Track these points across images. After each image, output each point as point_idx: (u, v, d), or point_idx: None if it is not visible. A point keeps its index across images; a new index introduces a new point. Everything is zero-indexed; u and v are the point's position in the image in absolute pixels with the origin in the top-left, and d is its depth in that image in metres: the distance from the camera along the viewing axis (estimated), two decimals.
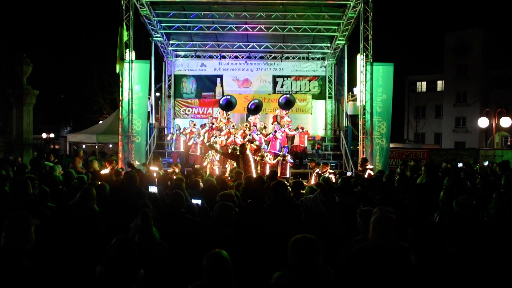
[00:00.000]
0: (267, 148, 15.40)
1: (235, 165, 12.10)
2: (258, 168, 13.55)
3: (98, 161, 11.79)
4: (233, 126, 17.00)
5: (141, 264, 3.15)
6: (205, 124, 17.43)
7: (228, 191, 5.43)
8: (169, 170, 12.00)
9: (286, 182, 7.21)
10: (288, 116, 17.63)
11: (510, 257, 3.90)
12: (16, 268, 3.11)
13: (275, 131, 15.81)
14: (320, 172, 11.76)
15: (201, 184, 7.97)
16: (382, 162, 13.65)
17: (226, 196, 5.13)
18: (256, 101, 18.03)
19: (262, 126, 17.04)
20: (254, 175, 9.52)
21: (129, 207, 4.84)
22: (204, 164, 14.79)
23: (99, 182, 6.78)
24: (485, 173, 10.17)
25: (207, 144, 15.19)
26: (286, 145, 15.80)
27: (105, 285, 2.89)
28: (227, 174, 12.41)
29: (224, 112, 18.01)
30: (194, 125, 17.14)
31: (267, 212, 5.15)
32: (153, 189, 6.56)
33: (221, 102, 17.93)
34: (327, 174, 11.23)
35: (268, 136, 15.96)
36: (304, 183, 10.44)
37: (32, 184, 5.65)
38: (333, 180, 9.99)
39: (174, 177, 10.01)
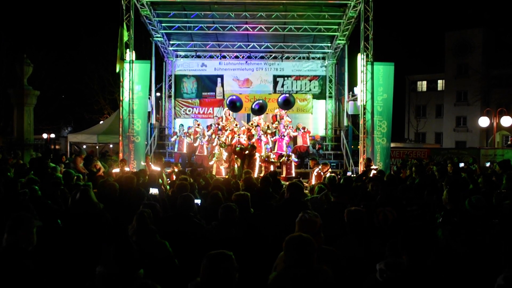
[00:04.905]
0: (270, 148, 15.39)
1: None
2: (263, 168, 13.55)
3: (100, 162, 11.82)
4: (236, 125, 16.98)
5: (140, 264, 3.14)
6: (211, 125, 17.39)
7: (243, 192, 5.42)
8: (169, 170, 12.03)
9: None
10: (287, 116, 17.60)
11: None
12: (18, 269, 3.11)
13: (283, 134, 15.76)
14: (320, 171, 11.73)
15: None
16: (383, 161, 13.64)
17: (241, 196, 5.13)
18: (261, 101, 17.98)
19: (266, 127, 17.03)
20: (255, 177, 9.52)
21: (128, 208, 4.82)
22: (211, 163, 14.75)
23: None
24: (487, 173, 10.15)
25: (216, 144, 15.10)
26: (289, 145, 15.82)
27: (105, 285, 2.88)
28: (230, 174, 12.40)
29: (230, 112, 17.96)
30: (198, 125, 17.12)
31: (278, 212, 5.14)
32: (154, 190, 6.55)
33: (227, 102, 17.88)
34: (328, 174, 11.19)
35: (275, 137, 15.97)
36: (305, 183, 10.45)
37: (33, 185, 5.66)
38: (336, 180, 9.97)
39: (174, 176, 10.04)
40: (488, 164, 14.25)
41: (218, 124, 17.13)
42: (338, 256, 3.45)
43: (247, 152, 11.43)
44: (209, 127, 17.24)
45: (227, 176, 11.33)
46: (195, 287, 2.81)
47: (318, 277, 2.87)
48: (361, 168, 13.15)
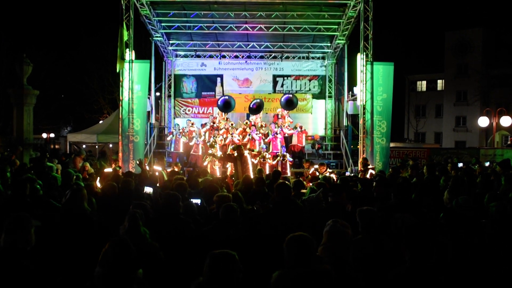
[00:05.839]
0: (266, 148, 15.39)
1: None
2: (259, 165, 13.52)
3: (98, 161, 11.81)
4: (232, 124, 16.97)
5: (139, 265, 3.14)
6: (205, 124, 17.42)
7: (224, 193, 5.40)
8: (169, 169, 12.04)
9: (287, 182, 7.22)
10: (289, 116, 17.62)
11: (509, 257, 3.89)
12: (17, 268, 3.11)
13: (276, 133, 15.77)
14: (316, 171, 11.74)
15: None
16: (383, 161, 13.64)
17: (223, 197, 5.11)
18: (258, 100, 17.99)
19: (259, 125, 17.00)
20: (252, 176, 9.50)
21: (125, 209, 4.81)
22: (205, 164, 14.77)
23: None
24: (486, 172, 10.15)
25: (208, 144, 15.16)
26: (284, 145, 15.82)
27: (104, 286, 2.88)
28: (228, 174, 12.39)
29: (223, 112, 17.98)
30: (192, 124, 17.12)
31: (270, 213, 5.13)
32: (148, 189, 6.51)
33: (219, 103, 17.91)
34: (327, 174, 11.20)
35: (268, 138, 15.98)
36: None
37: (32, 185, 5.67)
38: (334, 179, 9.98)
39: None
40: (487, 164, 14.27)
41: (213, 123, 17.15)
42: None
43: (235, 154, 11.37)
44: (203, 125, 17.24)
45: (222, 176, 11.32)
46: (197, 286, 2.81)
47: (320, 276, 2.87)
48: (360, 167, 13.15)
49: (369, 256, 3.73)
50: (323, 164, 12.13)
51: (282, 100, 17.83)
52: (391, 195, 5.82)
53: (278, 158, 14.51)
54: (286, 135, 16.36)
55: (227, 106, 17.68)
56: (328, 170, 12.14)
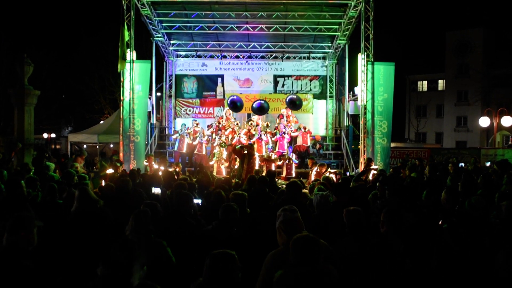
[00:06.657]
0: (272, 148, 15.40)
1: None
2: (264, 168, 13.56)
3: (99, 162, 11.80)
4: (237, 124, 16.97)
5: (143, 264, 3.14)
6: (211, 124, 17.39)
7: (240, 192, 5.42)
8: (170, 169, 12.02)
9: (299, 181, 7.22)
10: (294, 116, 17.62)
11: None
12: (17, 269, 3.11)
13: (284, 132, 15.78)
14: (319, 171, 11.74)
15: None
16: (383, 161, 13.64)
17: (239, 196, 5.13)
18: (262, 101, 17.98)
19: (265, 125, 17.01)
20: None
21: (126, 209, 4.80)
22: (211, 163, 14.74)
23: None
24: (487, 172, 10.14)
25: (219, 145, 15.07)
26: (290, 146, 15.84)
27: (107, 285, 2.88)
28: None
29: (231, 111, 17.98)
30: (197, 124, 17.10)
31: (274, 211, 5.14)
32: (156, 190, 6.51)
33: (228, 102, 17.91)
34: (328, 173, 11.19)
35: (276, 137, 15.99)
36: (305, 183, 10.43)
37: (33, 185, 5.67)
38: (334, 179, 9.98)
39: (176, 177, 10.03)
40: (488, 164, 14.28)
41: (219, 123, 17.12)
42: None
43: (245, 151, 11.41)
44: (209, 126, 17.23)
45: (228, 176, 11.32)
46: (197, 287, 2.81)
47: (323, 276, 2.88)
48: (361, 168, 13.16)
49: (354, 255, 3.75)
50: (323, 164, 12.13)
51: (287, 100, 17.89)
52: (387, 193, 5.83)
53: (284, 159, 14.54)
54: (292, 136, 16.37)
55: (234, 107, 17.66)
56: (329, 170, 12.13)
